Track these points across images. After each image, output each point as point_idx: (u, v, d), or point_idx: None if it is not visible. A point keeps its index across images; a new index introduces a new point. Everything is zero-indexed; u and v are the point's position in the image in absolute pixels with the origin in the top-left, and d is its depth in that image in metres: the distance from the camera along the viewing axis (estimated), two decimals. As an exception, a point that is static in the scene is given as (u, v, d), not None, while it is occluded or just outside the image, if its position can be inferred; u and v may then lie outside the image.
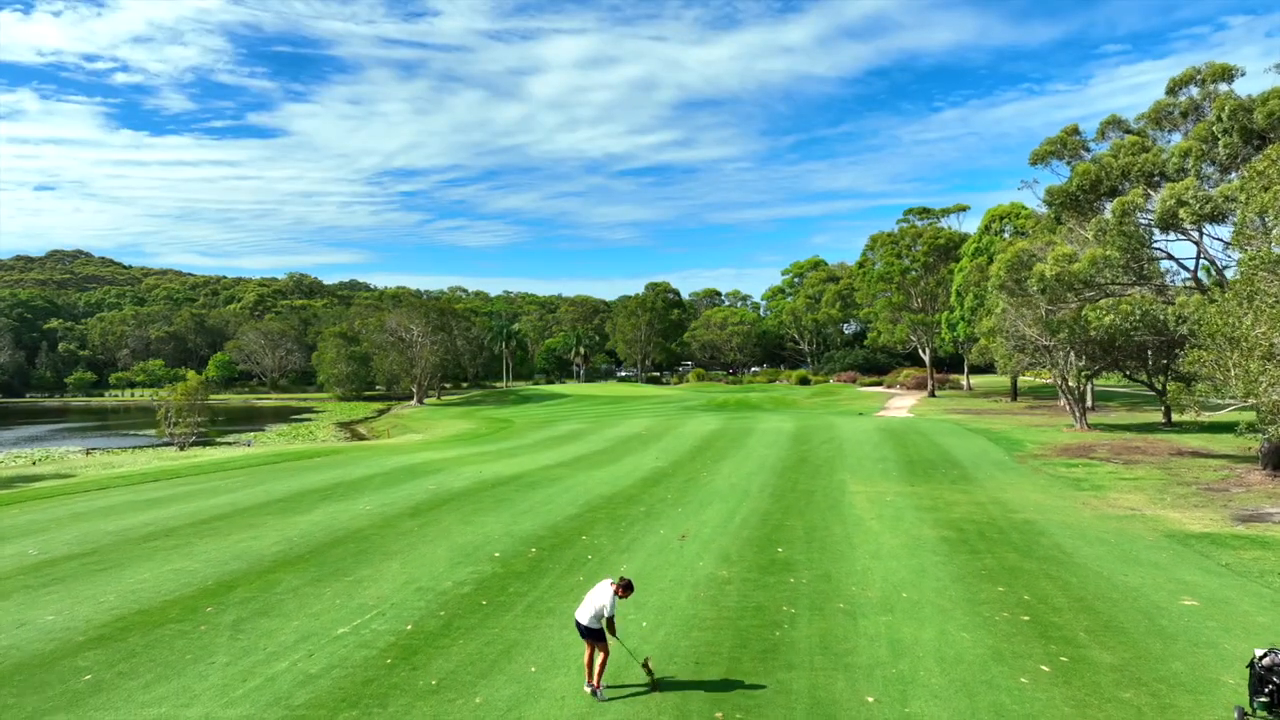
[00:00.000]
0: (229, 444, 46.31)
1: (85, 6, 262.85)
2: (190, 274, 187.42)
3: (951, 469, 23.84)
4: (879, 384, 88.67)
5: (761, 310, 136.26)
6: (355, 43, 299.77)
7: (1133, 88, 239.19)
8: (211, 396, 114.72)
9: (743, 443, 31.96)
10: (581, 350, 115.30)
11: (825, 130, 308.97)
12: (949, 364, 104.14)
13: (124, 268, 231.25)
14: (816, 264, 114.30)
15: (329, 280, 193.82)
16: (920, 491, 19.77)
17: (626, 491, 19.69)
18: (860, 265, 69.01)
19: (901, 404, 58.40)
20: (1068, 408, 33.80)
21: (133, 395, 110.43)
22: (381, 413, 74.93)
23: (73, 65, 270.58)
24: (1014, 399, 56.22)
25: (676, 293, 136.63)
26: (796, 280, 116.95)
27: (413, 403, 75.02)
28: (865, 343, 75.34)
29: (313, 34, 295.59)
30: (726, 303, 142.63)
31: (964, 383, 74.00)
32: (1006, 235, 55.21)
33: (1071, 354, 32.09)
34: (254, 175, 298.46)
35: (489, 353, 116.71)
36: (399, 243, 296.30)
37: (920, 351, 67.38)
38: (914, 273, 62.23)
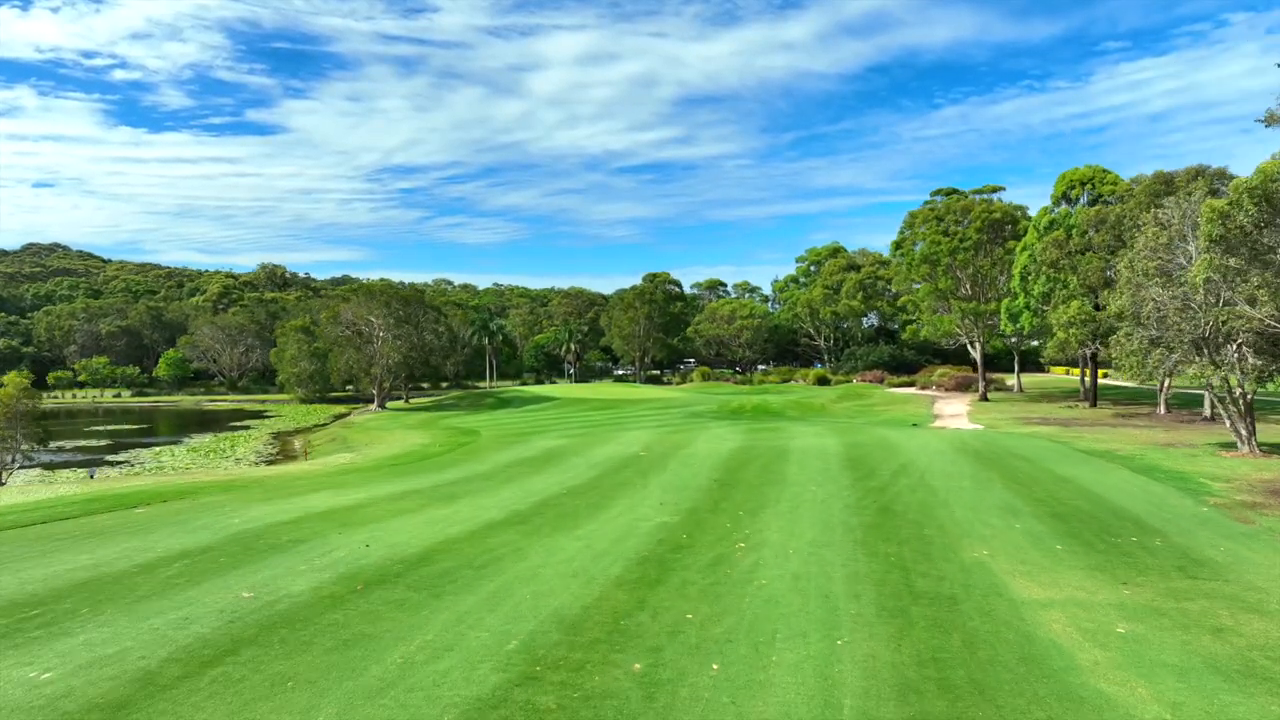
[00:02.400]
0: (74, 471, 37.33)
1: (84, 3, 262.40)
2: (156, 265, 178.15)
3: (1139, 532, 14.96)
4: (910, 384, 79.79)
5: (770, 303, 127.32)
6: (354, 39, 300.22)
7: (1133, 84, 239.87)
8: (161, 398, 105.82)
9: (781, 474, 23.07)
10: (573, 347, 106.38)
11: (825, 127, 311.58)
12: (989, 361, 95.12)
13: (101, 261, 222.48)
14: (835, 250, 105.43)
15: (323, 276, 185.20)
16: (1147, 597, 10.90)
17: (609, 601, 10.78)
18: (897, 246, 60.05)
19: (954, 410, 49.52)
20: (1229, 422, 24.81)
21: (73, 396, 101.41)
22: (339, 418, 66.02)
23: (71, 62, 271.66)
24: (1093, 404, 47.32)
25: (678, 284, 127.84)
26: (812, 269, 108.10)
27: (373, 407, 66.13)
28: (904, 336, 66.38)
29: (311, 30, 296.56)
30: (732, 295, 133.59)
31: (1013, 383, 65.16)
32: (1084, 202, 46.37)
33: (1246, 349, 23.20)
34: (253, 172, 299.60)
35: (470, 349, 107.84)
36: (398, 240, 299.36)
37: (969, 347, 58.46)
38: (964, 253, 53.27)
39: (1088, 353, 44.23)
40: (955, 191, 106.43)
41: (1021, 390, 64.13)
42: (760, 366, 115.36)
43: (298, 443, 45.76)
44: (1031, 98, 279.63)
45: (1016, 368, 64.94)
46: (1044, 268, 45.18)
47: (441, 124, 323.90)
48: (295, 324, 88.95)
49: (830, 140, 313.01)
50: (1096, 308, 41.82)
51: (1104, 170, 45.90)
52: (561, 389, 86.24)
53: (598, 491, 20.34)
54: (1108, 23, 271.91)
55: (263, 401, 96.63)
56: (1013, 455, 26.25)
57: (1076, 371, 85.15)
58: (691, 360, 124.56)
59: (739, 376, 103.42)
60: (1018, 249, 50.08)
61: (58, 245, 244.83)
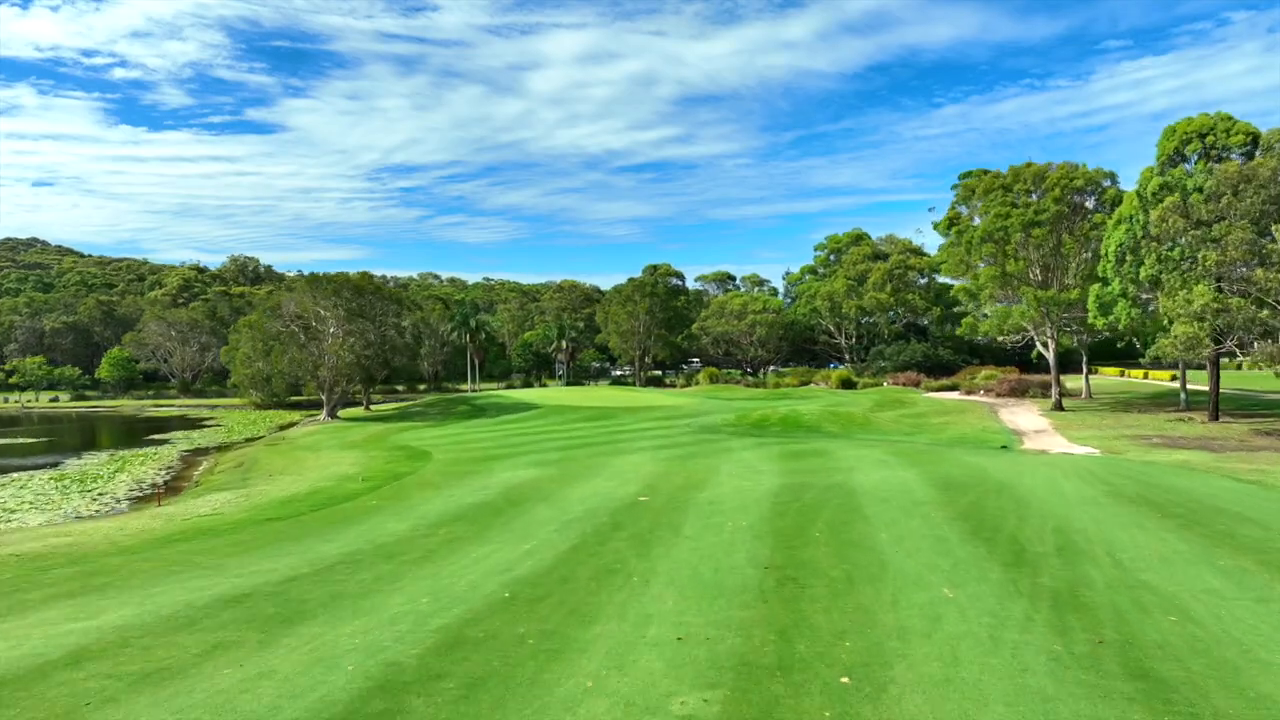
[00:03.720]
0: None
1: (83, 1, 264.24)
2: (114, 258, 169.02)
3: None
4: (951, 388, 70.88)
5: (782, 297, 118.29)
6: (354, 38, 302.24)
7: (1135, 83, 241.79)
8: (103, 403, 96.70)
9: (870, 547, 14.06)
10: (565, 344, 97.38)
11: (826, 126, 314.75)
12: (1035, 364, 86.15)
13: (79, 256, 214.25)
14: (858, 238, 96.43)
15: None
16: None
17: None
18: (949, 224, 50.96)
19: (1033, 424, 40.57)
20: None
21: (3, 401, 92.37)
22: (283, 428, 57.10)
23: (70, 60, 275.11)
24: (1214, 415, 38.24)
25: (680, 276, 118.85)
26: (831, 258, 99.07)
27: (321, 416, 57.22)
28: (958, 332, 57.49)
29: (311, 29, 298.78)
30: (740, 289, 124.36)
31: (1077, 386, 56.19)
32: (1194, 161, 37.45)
33: None
34: (252, 171, 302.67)
35: (451, 348, 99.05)
36: (398, 239, 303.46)
37: (1043, 347, 49.41)
38: (1040, 227, 44.20)
39: (1211, 353, 35.25)
40: (987, 172, 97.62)
41: (1091, 396, 55.22)
42: (772, 367, 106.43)
43: (201, 467, 36.77)
44: (1032, 96, 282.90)
45: (1085, 369, 55.99)
46: (1152, 244, 36.25)
47: (441, 123, 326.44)
48: (249, 319, 79.87)
49: (831, 139, 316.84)
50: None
51: (1229, 118, 36.91)
52: (550, 393, 77.29)
53: (565, 594, 11.37)
54: (1109, 21, 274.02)
55: (214, 406, 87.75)
56: (1210, 508, 17.29)
57: (1138, 374, 76.06)
58: (696, 360, 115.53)
59: (752, 379, 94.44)
60: (1110, 224, 41.16)
61: (36, 240, 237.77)
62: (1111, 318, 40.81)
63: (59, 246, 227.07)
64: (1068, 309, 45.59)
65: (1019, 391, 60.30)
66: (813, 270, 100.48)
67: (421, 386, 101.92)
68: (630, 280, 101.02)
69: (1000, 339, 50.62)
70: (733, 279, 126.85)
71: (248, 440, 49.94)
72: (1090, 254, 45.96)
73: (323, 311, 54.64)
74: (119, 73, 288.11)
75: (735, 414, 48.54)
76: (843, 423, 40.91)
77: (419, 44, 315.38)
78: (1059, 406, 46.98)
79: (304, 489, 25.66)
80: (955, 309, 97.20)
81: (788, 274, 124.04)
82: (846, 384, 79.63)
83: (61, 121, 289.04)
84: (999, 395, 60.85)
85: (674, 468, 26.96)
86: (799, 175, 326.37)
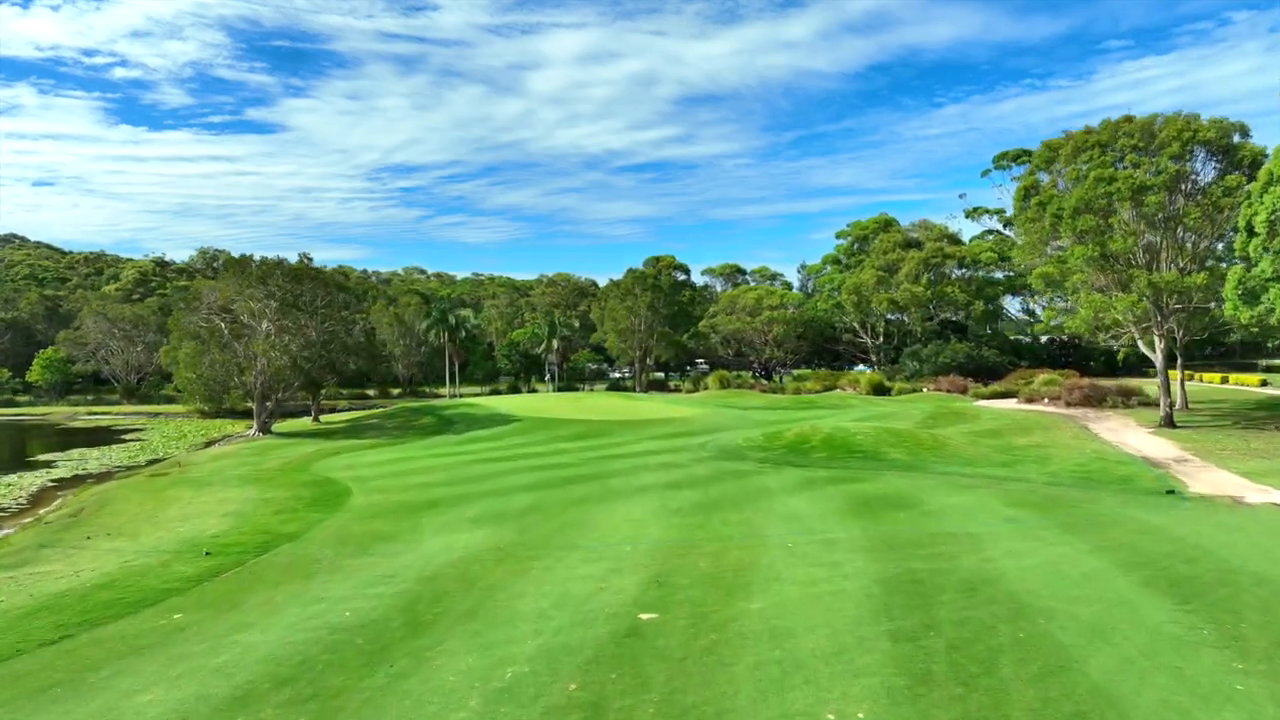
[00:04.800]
0: None
1: (84, 1, 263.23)
2: (70, 251, 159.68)
3: None
4: (1006, 395, 61.76)
5: (797, 289, 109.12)
6: (354, 37, 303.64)
7: (1136, 83, 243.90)
8: (34, 409, 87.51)
9: None
10: (556, 344, 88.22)
11: (826, 126, 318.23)
12: (1080, 363, 76.97)
13: (61, 253, 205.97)
14: (886, 224, 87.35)
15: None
16: None
17: None
18: (1025, 194, 41.70)
19: (1163, 450, 31.41)
20: None
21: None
22: (208, 444, 48.04)
23: (71, 60, 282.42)
24: None
25: (685, 269, 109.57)
26: (856, 247, 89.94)
27: (251, 431, 48.03)
28: (1036, 329, 48.35)
29: (311, 29, 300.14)
30: (751, 282, 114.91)
31: (1175, 394, 46.97)
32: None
33: None
34: (252, 171, 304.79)
35: (428, 348, 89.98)
36: (398, 239, 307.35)
37: (1147, 348, 40.19)
38: (1155, 194, 35.00)
39: None
40: (1026, 153, 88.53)
41: (1188, 406, 46.12)
42: (789, 369, 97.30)
43: (44, 510, 27.56)
44: (1033, 96, 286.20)
45: (1181, 374, 46.92)
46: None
47: (441, 123, 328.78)
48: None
49: (831, 139, 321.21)
50: None
51: None
52: (536, 401, 68.10)
53: None
54: (1110, 21, 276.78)
55: (155, 414, 78.69)
56: None
57: (1251, 379, 65.34)
58: (703, 362, 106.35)
59: (768, 383, 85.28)
60: (1255, 188, 32.12)
61: (14, 236, 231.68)
62: (1260, 308, 31.69)
63: (38, 243, 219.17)
64: (1189, 297, 36.47)
65: (1095, 400, 51.15)
66: (835, 260, 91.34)
67: (395, 391, 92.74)
68: (630, 272, 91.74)
69: (1099, 339, 41.42)
70: (743, 272, 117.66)
71: (152, 462, 40.79)
72: (1209, 232, 36.88)
73: (252, 304, 45.55)
74: (119, 72, 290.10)
75: (760, 430, 39.40)
76: (907, 446, 31.75)
77: (419, 44, 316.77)
78: (1169, 422, 37.84)
79: (111, 569, 16.49)
80: (994, 303, 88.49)
81: (803, 266, 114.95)
82: (879, 389, 70.50)
83: (62, 121, 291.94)
84: (1069, 405, 51.72)
85: (693, 533, 17.84)
86: (799, 175, 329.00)
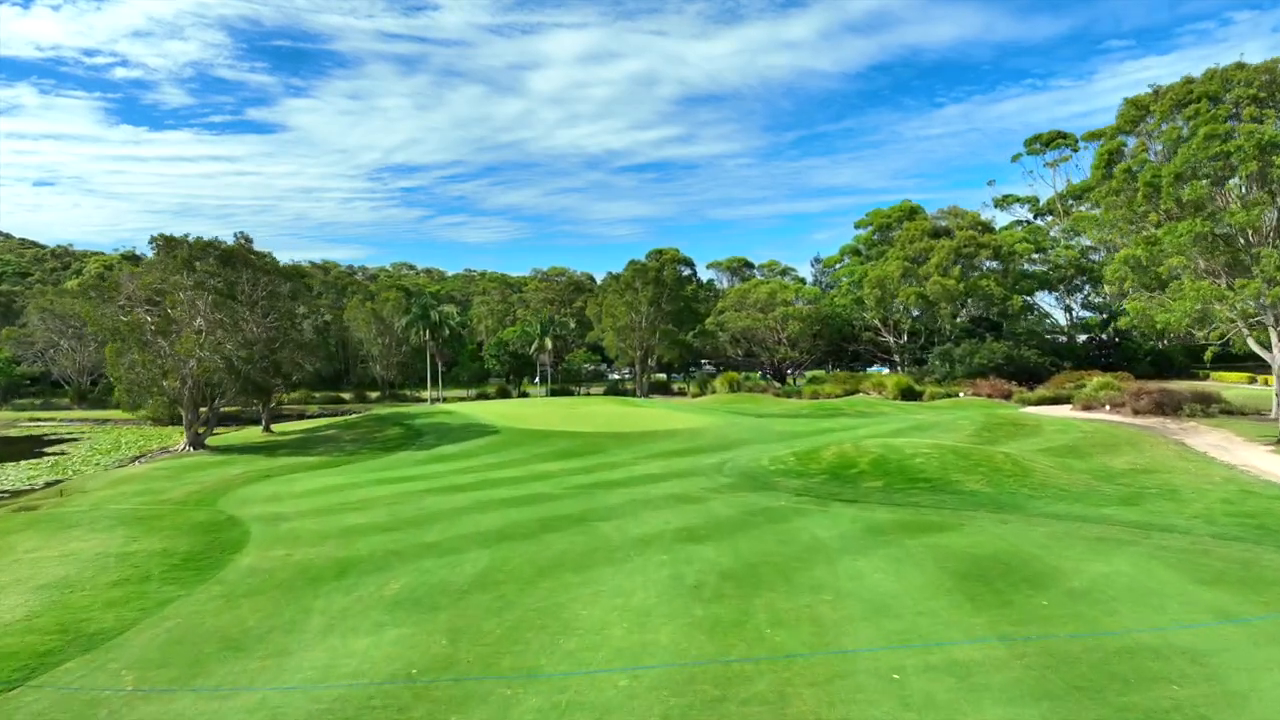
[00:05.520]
0: None
1: (84, 1, 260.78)
2: (40, 245, 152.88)
3: None
4: (1055, 401, 54.99)
5: (811, 283, 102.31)
6: (355, 37, 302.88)
7: (1137, 83, 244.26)
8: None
9: None
10: (549, 344, 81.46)
11: (827, 126, 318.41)
12: (1124, 363, 70.24)
13: (28, 246, 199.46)
14: (911, 211, 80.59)
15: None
16: None
17: None
18: (1107, 161, 34.89)
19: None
20: None
21: None
22: (135, 459, 41.35)
23: (71, 60, 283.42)
24: None
25: (689, 262, 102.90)
26: (877, 237, 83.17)
27: (181, 445, 41.27)
28: (1120, 324, 41.71)
29: (312, 28, 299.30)
30: (759, 276, 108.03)
31: (1236, 396, 40.17)
32: None
33: None
34: (253, 171, 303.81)
35: (409, 348, 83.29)
36: (399, 239, 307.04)
37: (1260, 347, 33.41)
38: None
39: None
40: (1062, 135, 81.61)
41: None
42: (802, 370, 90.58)
43: None
44: (1035, 96, 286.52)
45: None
46: None
47: (442, 123, 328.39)
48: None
49: (832, 139, 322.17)
50: None
51: None
52: (524, 407, 61.34)
53: None
54: (1111, 21, 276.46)
55: (103, 421, 72.01)
56: None
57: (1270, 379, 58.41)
58: (708, 362, 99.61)
59: (781, 386, 78.49)
60: None
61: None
62: None
63: (21, 239, 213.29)
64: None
65: (1168, 408, 44.30)
66: (854, 250, 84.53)
67: (373, 395, 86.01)
68: (630, 264, 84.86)
69: (1206, 336, 34.64)
70: (751, 266, 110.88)
71: (48, 484, 34.07)
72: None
73: (180, 294, 38.79)
74: (120, 72, 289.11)
75: (787, 446, 32.64)
76: (983, 472, 24.98)
77: (420, 44, 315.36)
78: (1291, 439, 31.08)
79: None
80: (1030, 298, 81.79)
81: (818, 259, 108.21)
82: (908, 394, 63.79)
83: (62, 121, 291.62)
84: (1136, 413, 44.90)
85: (728, 640, 11.12)
86: (800, 175, 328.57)
